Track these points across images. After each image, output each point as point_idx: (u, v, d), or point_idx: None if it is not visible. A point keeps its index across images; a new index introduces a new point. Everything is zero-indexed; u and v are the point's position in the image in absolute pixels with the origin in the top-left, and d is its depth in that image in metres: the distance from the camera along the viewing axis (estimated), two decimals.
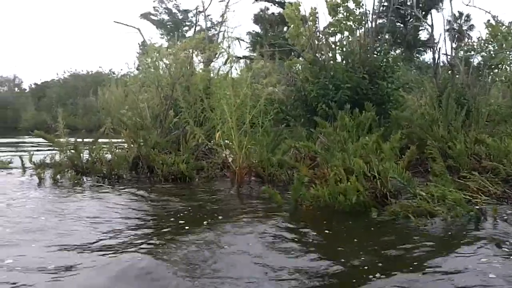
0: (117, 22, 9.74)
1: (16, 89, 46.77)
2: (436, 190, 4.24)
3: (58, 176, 6.96)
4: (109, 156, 7.64)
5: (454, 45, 9.57)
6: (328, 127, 6.16)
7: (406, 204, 4.19)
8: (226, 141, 6.61)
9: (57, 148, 7.61)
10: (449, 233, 3.80)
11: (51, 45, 75.11)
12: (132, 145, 7.62)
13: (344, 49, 9.11)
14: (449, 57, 9.72)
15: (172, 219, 4.49)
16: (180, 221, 4.38)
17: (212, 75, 9.02)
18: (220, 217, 4.53)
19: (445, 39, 9.87)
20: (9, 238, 3.79)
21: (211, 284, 2.79)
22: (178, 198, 5.57)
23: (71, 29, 78.52)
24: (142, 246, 3.53)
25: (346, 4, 9.18)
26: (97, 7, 74.24)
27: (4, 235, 3.89)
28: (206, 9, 11.74)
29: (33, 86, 46.51)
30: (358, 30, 9.41)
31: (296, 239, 3.72)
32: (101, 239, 3.75)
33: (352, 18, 9.20)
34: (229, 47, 7.40)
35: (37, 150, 9.31)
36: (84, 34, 77.10)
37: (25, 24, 74.74)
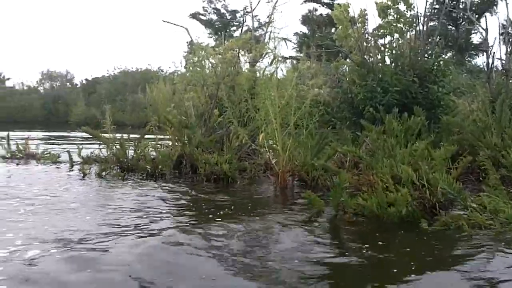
0: (166, 21, 9.77)
1: (68, 84, 48.24)
2: (489, 202, 4.03)
3: (103, 172, 7.08)
4: (153, 153, 7.73)
5: (509, 50, 9.10)
6: (375, 131, 5.95)
7: (457, 216, 4.00)
8: (269, 142, 6.54)
9: (103, 144, 7.75)
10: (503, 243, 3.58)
11: (103, 42, 77.28)
12: (176, 144, 7.66)
13: (394, 52, 8.87)
14: (503, 61, 9.31)
15: (210, 215, 4.50)
16: (217, 218, 4.40)
17: (257, 75, 8.96)
18: (257, 218, 4.48)
19: (499, 43, 9.47)
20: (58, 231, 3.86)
21: None
22: (218, 196, 5.57)
23: (124, 27, 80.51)
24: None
25: (396, 6, 8.94)
26: (149, 6, 75.73)
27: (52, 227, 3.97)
28: (253, 10, 11.69)
29: (84, 81, 47.94)
30: (408, 33, 9.14)
31: (345, 252, 3.59)
32: (139, 224, 3.82)
33: (402, 20, 8.94)
34: (275, 47, 7.33)
35: (88, 144, 9.55)
36: (135, 32, 78.91)
37: (79, 21, 77.02)
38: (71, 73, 48.49)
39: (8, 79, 49.83)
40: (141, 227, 4.10)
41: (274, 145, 6.42)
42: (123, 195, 5.64)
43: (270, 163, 6.54)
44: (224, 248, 3.46)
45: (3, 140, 9.61)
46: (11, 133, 10.18)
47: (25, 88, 47.73)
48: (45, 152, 9.12)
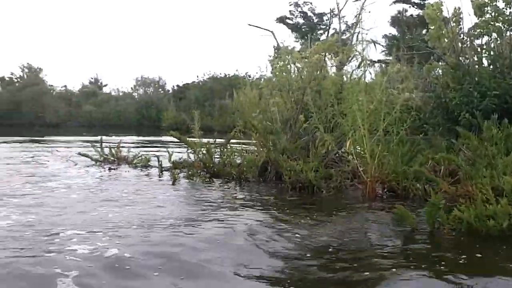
0: (251, 25, 9.80)
1: (160, 90, 50.29)
2: None
3: (191, 177, 7.21)
4: (238, 159, 7.76)
5: None
6: (473, 138, 5.52)
7: None
8: (357, 149, 6.31)
9: (191, 149, 7.90)
10: None
11: (194, 48, 79.76)
12: (261, 149, 7.62)
13: (492, 53, 8.27)
14: None
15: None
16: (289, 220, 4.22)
17: (344, 79, 8.72)
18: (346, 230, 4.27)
19: None
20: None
21: None
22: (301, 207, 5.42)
23: (214, 33, 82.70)
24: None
25: (494, 3, 8.33)
26: (237, 12, 77.27)
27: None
28: (340, 11, 11.44)
29: (175, 87, 49.77)
30: (508, 32, 8.48)
31: None
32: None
33: (501, 18, 8.31)
34: (363, 50, 7.08)
35: (178, 148, 9.82)
36: (225, 37, 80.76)
37: (172, 29, 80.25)
38: (163, 79, 50.49)
39: (105, 85, 53.02)
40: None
41: (361, 152, 6.18)
42: (210, 196, 5.67)
43: (357, 171, 6.30)
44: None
45: (97, 144, 10.09)
46: (106, 137, 10.69)
47: (121, 94, 50.48)
48: (137, 156, 9.43)
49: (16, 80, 48.85)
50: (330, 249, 3.72)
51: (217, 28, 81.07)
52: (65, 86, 50.63)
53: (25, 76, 49.04)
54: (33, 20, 74.44)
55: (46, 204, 5.23)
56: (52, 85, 49.22)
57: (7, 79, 49.29)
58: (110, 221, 4.44)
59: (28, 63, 49.64)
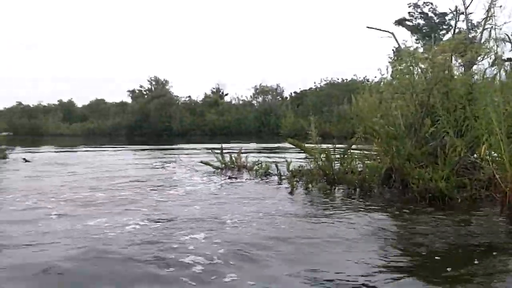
0: (370, 28, 9.47)
1: (278, 97, 51.02)
2: None
3: (310, 185, 7.03)
4: (360, 166, 7.43)
5: None
6: None
7: None
8: (493, 155, 5.71)
9: (309, 156, 7.73)
10: None
11: (311, 54, 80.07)
12: (384, 156, 7.24)
13: None
14: None
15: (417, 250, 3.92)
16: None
17: (475, 78, 8.02)
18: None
19: None
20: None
21: None
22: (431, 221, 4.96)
23: (330, 38, 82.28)
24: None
25: None
26: (354, 16, 76.14)
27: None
28: (467, 7, 10.63)
29: (293, 94, 50.28)
30: None
31: None
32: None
33: None
34: (497, 46, 6.44)
35: (296, 154, 9.74)
36: (342, 42, 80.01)
37: (290, 35, 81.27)
38: (281, 87, 51.20)
39: (226, 94, 55.06)
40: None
41: (498, 158, 5.58)
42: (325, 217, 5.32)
43: (494, 179, 5.68)
44: None
45: (217, 151, 10.34)
46: (227, 145, 10.94)
47: (240, 102, 52.05)
48: (256, 164, 9.47)
49: (145, 92, 52.55)
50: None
51: (334, 33, 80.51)
52: (189, 96, 53.60)
53: (152, 88, 52.63)
54: (159, 34, 79.71)
55: (174, 208, 5.64)
56: (177, 96, 52.36)
57: (136, 91, 53.34)
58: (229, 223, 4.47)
59: (155, 76, 53.30)
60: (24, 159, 13.43)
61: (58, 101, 54.50)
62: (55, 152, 19.66)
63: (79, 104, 55.42)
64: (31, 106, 52.53)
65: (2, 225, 4.75)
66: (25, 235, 4.34)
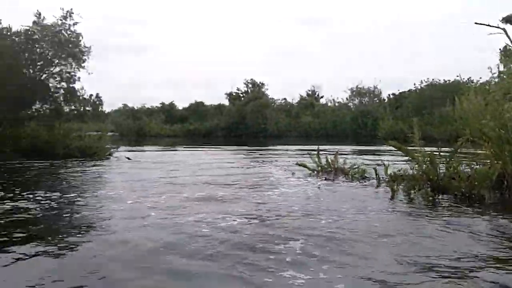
0: (478, 24, 8.93)
1: (375, 99, 49.70)
2: None
3: (412, 191, 6.68)
4: (467, 171, 6.91)
5: None
6: None
7: None
8: None
9: (411, 160, 7.37)
10: None
11: (410, 54, 77.40)
12: (495, 161, 6.71)
13: None
14: None
15: None
16: None
17: None
18: None
19: None
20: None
21: None
22: None
23: (431, 38, 79.03)
24: None
25: None
26: (458, 14, 72.50)
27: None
28: None
29: (391, 96, 48.74)
30: None
31: None
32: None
33: None
34: None
35: (392, 157, 9.34)
36: (444, 42, 76.48)
37: (386, 36, 79.19)
38: (378, 88, 49.81)
39: (321, 97, 54.72)
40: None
41: None
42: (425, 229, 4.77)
43: None
44: None
45: (313, 153, 10.23)
46: (322, 146, 10.77)
47: (336, 104, 51.45)
48: (354, 167, 9.22)
49: (241, 95, 53.60)
50: None
51: (433, 32, 77.14)
52: (285, 98, 53.91)
53: (249, 91, 53.53)
54: (254, 39, 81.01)
55: (273, 207, 5.78)
56: (273, 98, 52.79)
57: (233, 94, 54.49)
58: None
59: (251, 79, 54.16)
60: (127, 157, 14.41)
61: (160, 103, 56.93)
62: (156, 151, 20.65)
63: (180, 106, 57.54)
64: (136, 108, 55.28)
65: (113, 217, 5.20)
66: (128, 226, 4.75)
